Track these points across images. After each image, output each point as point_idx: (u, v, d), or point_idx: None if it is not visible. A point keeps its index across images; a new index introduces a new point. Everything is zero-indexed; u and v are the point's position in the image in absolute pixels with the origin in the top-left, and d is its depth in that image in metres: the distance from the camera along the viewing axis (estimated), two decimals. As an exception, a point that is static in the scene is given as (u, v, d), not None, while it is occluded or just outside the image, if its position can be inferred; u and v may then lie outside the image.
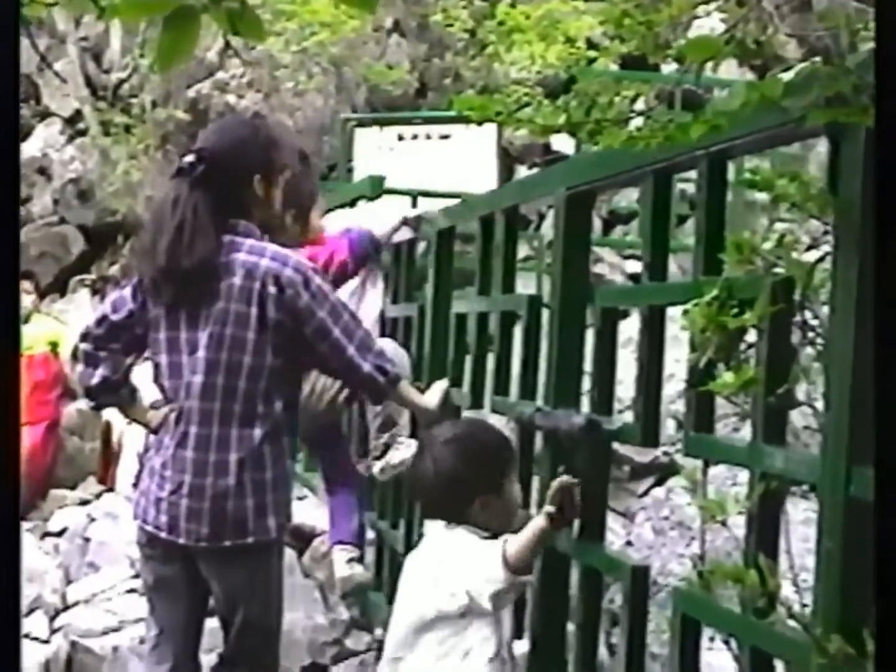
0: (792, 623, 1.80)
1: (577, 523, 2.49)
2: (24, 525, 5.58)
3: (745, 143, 2.04)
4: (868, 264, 1.61)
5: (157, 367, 2.80)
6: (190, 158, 2.74)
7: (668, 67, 7.53)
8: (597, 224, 8.34)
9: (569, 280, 2.68)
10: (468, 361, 3.38)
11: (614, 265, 7.95)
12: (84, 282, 9.35)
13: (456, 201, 4.24)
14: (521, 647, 2.61)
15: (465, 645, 2.31)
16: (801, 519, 3.00)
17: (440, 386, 3.29)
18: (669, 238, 2.46)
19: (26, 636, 4.25)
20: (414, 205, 5.81)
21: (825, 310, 1.81)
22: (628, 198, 8.27)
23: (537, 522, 2.29)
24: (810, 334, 1.93)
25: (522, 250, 7.41)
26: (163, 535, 2.73)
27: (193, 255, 2.68)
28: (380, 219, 3.95)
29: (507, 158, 8.97)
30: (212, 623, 2.94)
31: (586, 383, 2.64)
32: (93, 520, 5.25)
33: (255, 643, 2.82)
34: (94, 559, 4.90)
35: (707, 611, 2.04)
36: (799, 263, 1.87)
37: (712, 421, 2.13)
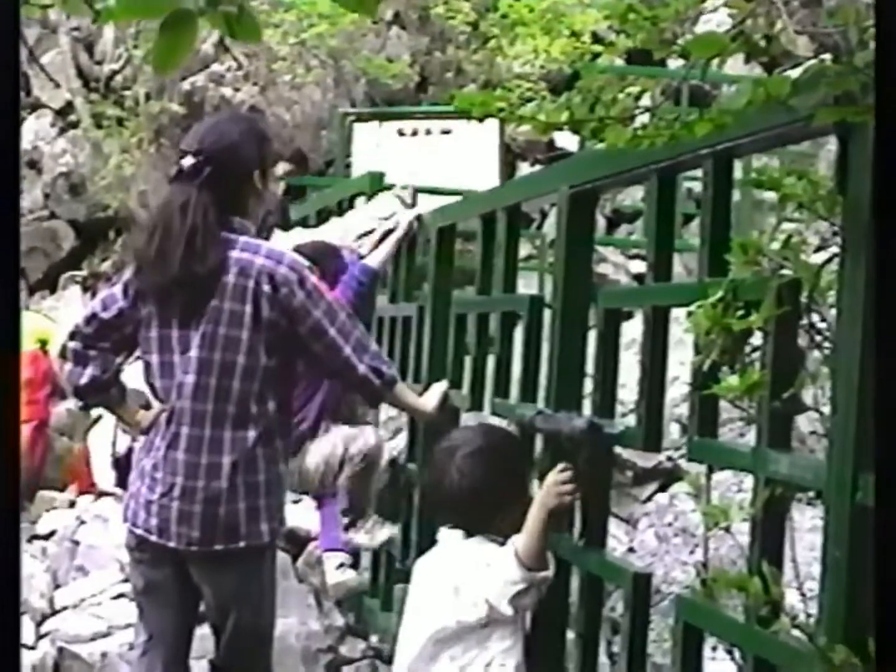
0: (796, 633, 1.76)
1: (578, 529, 2.46)
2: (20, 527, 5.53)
3: (752, 142, 2.00)
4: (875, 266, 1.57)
5: (147, 366, 2.76)
6: (192, 160, 2.69)
7: (675, 62, 7.48)
8: (601, 223, 8.30)
9: (571, 280, 2.65)
10: (468, 362, 3.35)
11: (618, 265, 7.92)
12: (75, 278, 9.27)
13: (456, 198, 4.21)
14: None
15: (487, 656, 2.28)
16: (808, 527, 2.98)
17: (439, 388, 3.25)
18: (674, 238, 2.43)
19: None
20: (414, 202, 5.78)
21: (833, 312, 1.78)
22: (633, 196, 8.23)
23: (539, 510, 2.27)
24: (817, 337, 1.90)
25: (524, 249, 7.37)
26: (153, 538, 2.69)
27: (207, 261, 2.65)
28: (375, 250, 3.94)
29: (510, 155, 8.93)
30: (202, 629, 2.90)
31: (588, 386, 2.60)
32: (82, 522, 5.21)
33: (247, 649, 2.78)
34: (82, 563, 4.85)
35: (710, 619, 2.01)
36: (806, 265, 1.84)
37: (716, 425, 2.09)
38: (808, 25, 1.85)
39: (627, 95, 1.75)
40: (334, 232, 4.32)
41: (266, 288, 2.66)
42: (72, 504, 6.12)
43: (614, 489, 2.93)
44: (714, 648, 2.72)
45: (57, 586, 4.80)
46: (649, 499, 4.78)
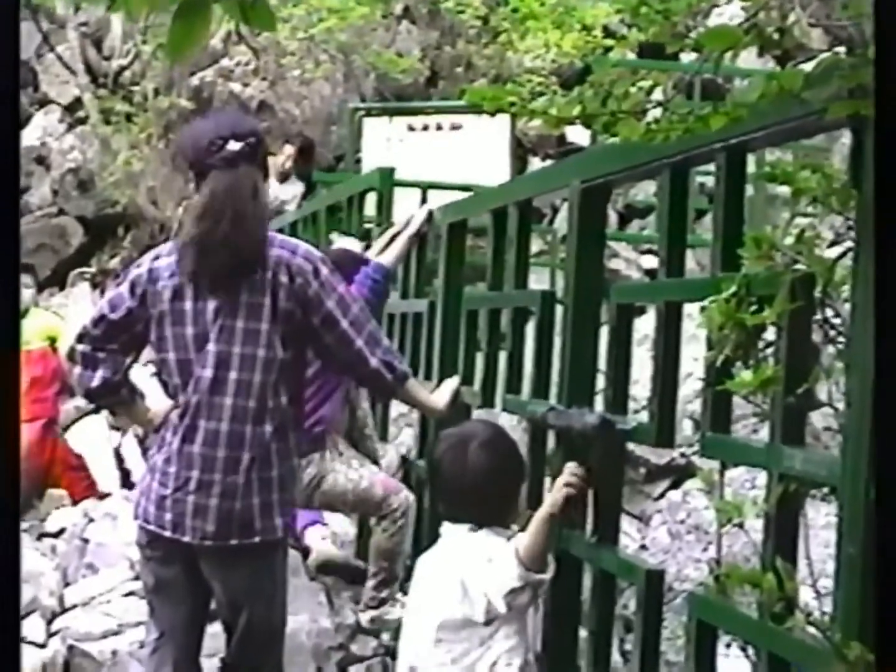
0: (811, 629, 1.75)
1: (590, 526, 2.45)
2: (21, 525, 5.52)
3: (765, 136, 1.99)
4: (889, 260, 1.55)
5: (163, 363, 2.75)
6: (240, 145, 2.69)
7: (688, 56, 7.46)
8: (612, 218, 8.27)
9: (583, 275, 2.63)
10: (479, 359, 3.33)
11: (630, 260, 7.89)
12: (83, 275, 9.24)
13: (467, 194, 4.19)
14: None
15: (492, 656, 2.28)
16: (822, 524, 2.96)
17: (450, 384, 3.24)
18: (687, 233, 2.41)
19: (22, 640, 4.20)
20: (424, 198, 5.77)
21: (847, 307, 1.76)
22: (645, 191, 8.20)
23: (543, 513, 2.29)
24: (831, 332, 1.88)
25: (536, 245, 7.35)
26: (166, 533, 2.69)
27: (265, 242, 2.69)
28: (390, 248, 3.92)
29: (521, 149, 8.91)
30: (214, 627, 2.90)
31: (600, 382, 2.59)
32: (91, 520, 5.21)
33: (258, 646, 2.78)
34: (92, 561, 4.85)
35: (723, 616, 2.00)
36: (820, 259, 1.83)
37: (729, 421, 2.08)
38: (822, 18, 1.83)
39: (639, 90, 1.74)
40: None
41: (283, 279, 2.66)
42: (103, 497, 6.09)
43: (627, 486, 2.93)
44: (728, 645, 2.71)
45: (66, 584, 4.80)
46: (662, 496, 4.77)
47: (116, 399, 2.87)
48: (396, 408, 4.51)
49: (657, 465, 4.97)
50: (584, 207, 2.64)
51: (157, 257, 2.79)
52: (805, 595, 1.81)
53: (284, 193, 7.33)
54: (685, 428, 4.71)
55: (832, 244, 2.30)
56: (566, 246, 2.79)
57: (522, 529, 2.35)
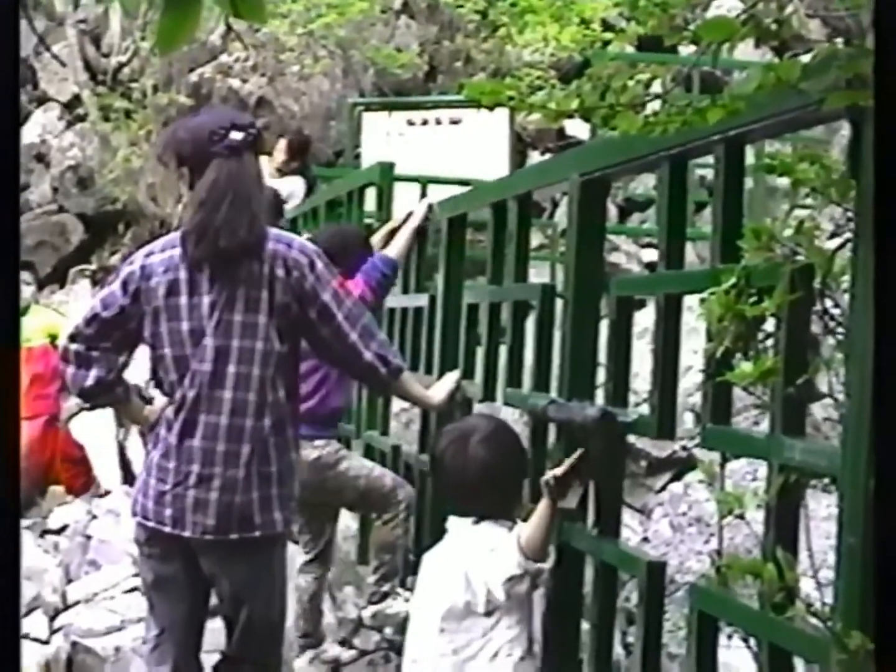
0: (811, 619, 1.76)
1: (591, 518, 2.46)
2: (23, 522, 5.49)
3: (764, 127, 1.99)
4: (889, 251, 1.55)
5: (160, 359, 2.75)
6: (242, 134, 2.72)
7: (687, 49, 7.46)
8: (612, 211, 8.26)
9: (583, 269, 2.64)
10: (480, 352, 3.34)
11: (630, 254, 7.89)
12: (84, 272, 9.22)
13: (467, 188, 4.20)
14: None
15: (493, 647, 2.30)
16: (823, 515, 2.96)
17: (450, 378, 3.24)
18: (686, 225, 2.41)
19: (25, 637, 4.20)
20: (424, 192, 5.77)
21: (846, 298, 1.76)
22: (645, 184, 8.20)
23: (544, 506, 2.31)
24: (831, 323, 1.89)
25: (536, 238, 7.35)
26: (166, 529, 2.69)
27: (265, 228, 2.72)
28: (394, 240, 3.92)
29: (520, 144, 8.91)
30: (215, 623, 2.91)
31: (601, 375, 2.59)
32: (94, 517, 5.22)
33: (259, 640, 2.79)
34: (95, 557, 4.86)
35: (724, 608, 2.00)
36: (819, 250, 1.83)
37: (730, 412, 2.08)
38: (820, 9, 1.83)
39: (637, 83, 1.74)
40: None
41: (279, 272, 2.67)
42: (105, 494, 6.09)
43: (628, 479, 2.94)
44: (729, 637, 2.72)
45: (69, 581, 4.81)
46: (663, 488, 4.78)
47: (111, 398, 2.86)
48: (398, 403, 4.51)
49: (658, 457, 4.98)
50: (584, 201, 2.65)
51: (149, 254, 2.79)
52: (806, 586, 1.82)
53: (283, 190, 7.32)
54: (686, 420, 4.71)
55: (832, 235, 2.30)
56: (566, 239, 2.79)
57: (525, 520, 2.36)
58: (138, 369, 3.01)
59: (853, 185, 1.70)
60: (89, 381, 2.79)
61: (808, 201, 1.94)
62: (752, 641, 1.99)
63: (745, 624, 2.01)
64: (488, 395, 3.24)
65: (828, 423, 3.36)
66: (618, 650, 3.11)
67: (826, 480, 3.33)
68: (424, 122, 7.90)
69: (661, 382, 2.27)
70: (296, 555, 3.99)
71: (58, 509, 5.94)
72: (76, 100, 10.10)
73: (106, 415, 6.53)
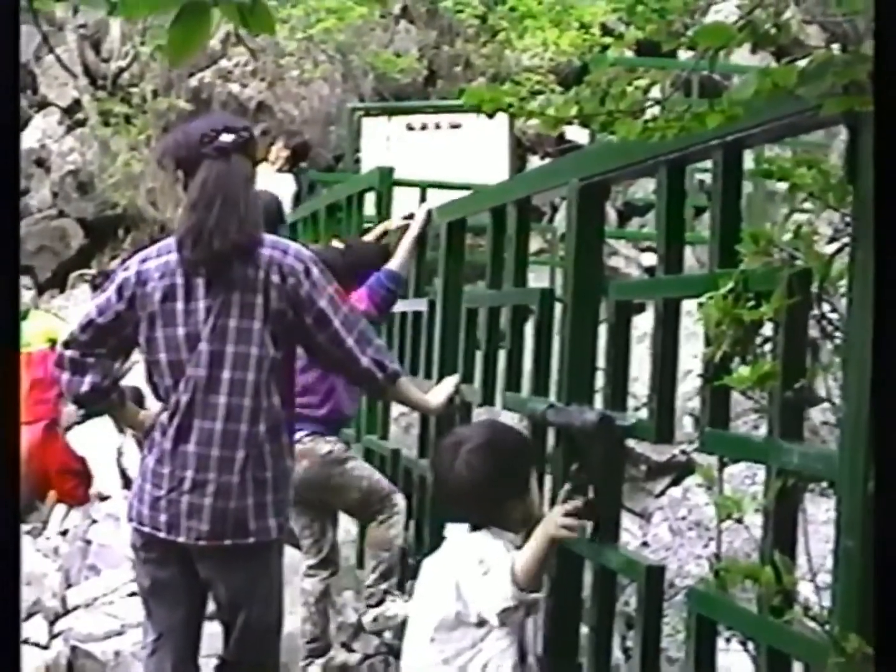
0: (810, 622, 1.76)
1: (590, 523, 2.46)
2: (23, 527, 5.51)
3: (761, 132, 1.99)
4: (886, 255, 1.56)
5: (154, 364, 2.75)
6: (233, 136, 2.73)
7: (686, 54, 7.48)
8: (612, 216, 8.28)
9: (582, 273, 2.64)
10: (479, 357, 3.34)
11: (630, 258, 7.90)
12: (84, 277, 9.20)
13: (466, 193, 4.20)
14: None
15: (483, 657, 2.29)
16: (822, 519, 2.97)
17: (449, 382, 3.25)
18: (685, 229, 2.42)
19: (25, 641, 4.20)
20: (423, 197, 5.78)
21: (844, 302, 1.77)
22: (644, 189, 8.21)
23: (543, 536, 2.25)
24: (828, 327, 1.89)
25: (535, 243, 7.37)
26: (161, 534, 2.69)
27: (260, 230, 2.72)
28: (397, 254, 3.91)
29: (520, 148, 8.92)
30: (212, 627, 2.91)
31: (600, 379, 2.60)
32: (94, 522, 5.22)
33: (256, 644, 2.79)
34: (95, 562, 4.86)
35: (723, 611, 2.01)
36: (816, 255, 1.83)
37: (728, 416, 2.09)
38: (819, 15, 1.84)
39: (636, 89, 1.75)
40: None
41: (275, 278, 2.68)
42: (103, 498, 6.07)
43: (628, 483, 2.94)
44: (728, 640, 2.72)
45: (69, 586, 4.81)
46: (663, 493, 4.78)
47: (106, 404, 2.86)
48: (397, 408, 4.52)
49: (658, 462, 4.98)
50: (583, 205, 2.65)
51: (145, 259, 2.79)
52: (805, 590, 1.82)
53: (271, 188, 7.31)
54: (686, 425, 4.71)
55: (831, 240, 2.30)
56: (565, 244, 2.80)
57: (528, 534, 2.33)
58: (139, 374, 3.01)
59: (850, 190, 1.71)
60: (84, 387, 2.78)
61: (807, 206, 1.95)
62: (750, 645, 1.99)
63: (743, 627, 2.01)
64: (487, 400, 3.25)
65: (826, 427, 3.36)
66: (617, 654, 3.12)
67: (824, 484, 3.33)
68: (424, 127, 7.92)
69: (659, 386, 2.27)
70: (298, 559, 4.00)
71: (58, 514, 5.94)
72: (76, 105, 10.12)
73: (105, 420, 6.54)
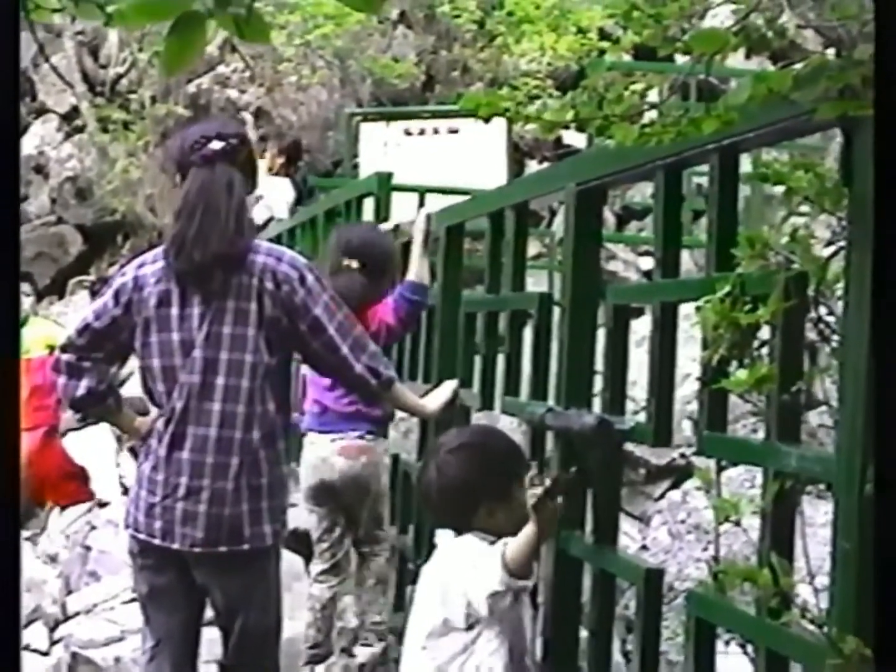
0: (808, 625, 1.77)
1: (589, 526, 2.46)
2: (23, 534, 5.50)
3: (757, 137, 2.00)
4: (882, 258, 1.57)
5: (148, 370, 2.76)
6: (223, 143, 2.73)
7: (684, 57, 7.48)
8: (610, 220, 8.29)
9: (579, 277, 2.65)
10: (478, 361, 3.35)
11: (628, 262, 7.91)
12: (83, 283, 9.22)
13: (464, 198, 4.21)
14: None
15: (475, 661, 2.30)
16: (821, 522, 2.97)
17: (447, 387, 3.25)
18: (682, 233, 2.43)
19: (25, 648, 4.20)
20: (422, 202, 5.78)
21: (841, 305, 1.78)
22: (642, 193, 8.22)
23: (532, 526, 2.26)
24: (825, 330, 1.90)
25: (534, 247, 7.38)
26: (156, 541, 2.69)
27: (247, 239, 2.71)
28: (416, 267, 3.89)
29: (517, 153, 8.93)
30: (211, 633, 2.91)
31: (599, 383, 2.60)
32: (93, 528, 5.21)
33: (254, 650, 2.79)
34: (94, 568, 4.85)
35: (722, 614, 2.01)
36: (813, 258, 1.84)
37: (726, 419, 2.09)
38: (814, 19, 1.85)
39: (632, 93, 1.76)
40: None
41: (269, 285, 2.68)
42: (84, 510, 6.08)
43: (627, 487, 2.95)
44: (727, 643, 2.72)
45: (69, 592, 4.81)
46: (662, 496, 4.79)
47: (102, 408, 2.86)
48: (397, 411, 4.51)
49: (657, 465, 4.99)
50: (580, 210, 2.66)
51: (141, 265, 2.80)
52: (804, 592, 1.83)
53: (267, 189, 7.30)
54: (685, 428, 4.72)
55: (829, 243, 2.31)
56: (562, 248, 2.81)
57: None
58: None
59: (846, 194, 1.72)
60: (80, 392, 2.79)
61: (804, 209, 1.96)
62: (749, 647, 2.00)
63: (741, 630, 2.02)
64: (486, 404, 3.25)
65: (823, 429, 3.37)
66: (617, 658, 3.12)
67: (823, 487, 3.34)
68: (422, 132, 7.93)
69: (657, 390, 2.28)
70: (298, 564, 4.00)
71: (57, 520, 5.94)
72: (74, 111, 10.14)
73: (104, 425, 6.53)
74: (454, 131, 7.79)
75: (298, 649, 3.82)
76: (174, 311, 2.70)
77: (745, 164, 2.20)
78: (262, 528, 2.69)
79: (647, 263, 7.60)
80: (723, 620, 2.04)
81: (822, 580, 1.87)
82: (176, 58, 1.52)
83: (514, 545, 2.26)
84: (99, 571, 4.85)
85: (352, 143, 8.22)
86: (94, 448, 6.48)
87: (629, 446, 3.33)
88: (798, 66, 1.58)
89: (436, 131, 7.89)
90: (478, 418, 3.42)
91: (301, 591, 3.95)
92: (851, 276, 1.70)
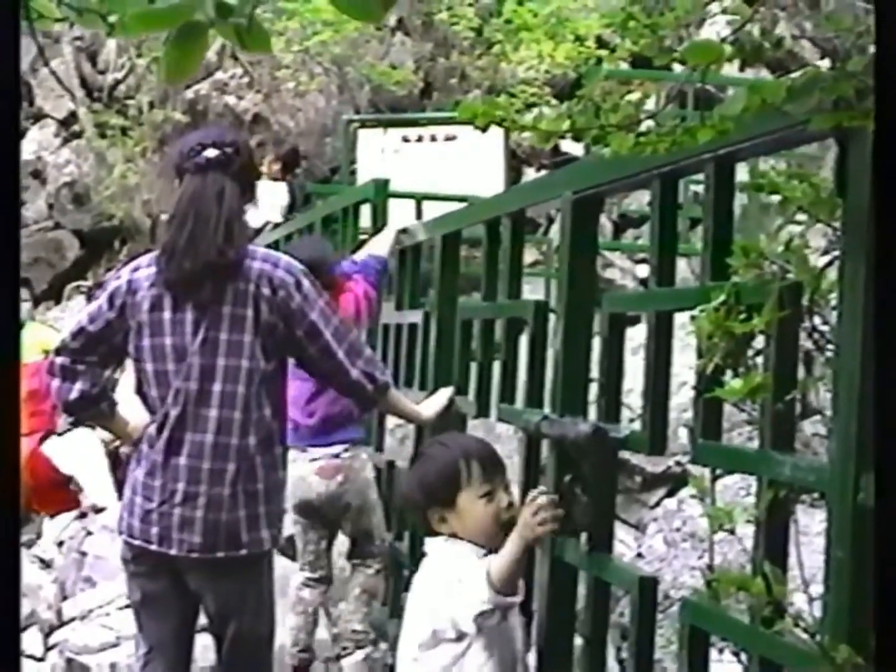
0: (802, 633, 1.77)
1: (584, 534, 2.47)
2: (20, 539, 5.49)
3: (752, 146, 2.01)
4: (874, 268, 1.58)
5: (142, 374, 2.76)
6: (217, 152, 2.73)
7: (681, 66, 7.50)
8: (607, 228, 8.31)
9: (575, 285, 2.65)
10: (474, 368, 3.36)
11: (625, 270, 7.93)
12: (80, 288, 9.19)
13: (462, 205, 4.21)
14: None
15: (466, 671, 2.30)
16: (816, 531, 2.97)
17: (443, 394, 3.26)
18: (677, 242, 2.43)
19: (21, 653, 4.20)
20: (419, 209, 5.80)
21: (835, 315, 1.78)
22: (639, 201, 8.24)
23: (517, 538, 2.29)
24: (820, 340, 1.91)
25: (531, 255, 7.39)
26: (152, 547, 2.69)
27: (238, 249, 2.70)
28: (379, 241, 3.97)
29: (515, 160, 8.95)
30: (205, 639, 2.91)
31: (594, 391, 2.61)
32: (89, 533, 5.21)
33: (247, 656, 2.79)
34: (90, 574, 4.85)
35: (715, 622, 2.01)
36: (807, 268, 1.85)
37: (720, 428, 2.10)
38: (812, 32, 1.86)
39: (629, 103, 1.77)
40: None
41: (265, 291, 2.69)
42: (80, 515, 6.06)
43: (623, 495, 2.95)
44: (721, 651, 2.72)
45: (65, 597, 4.80)
46: (658, 504, 4.79)
47: (95, 412, 2.85)
48: (393, 419, 4.52)
49: (653, 473, 4.99)
50: (576, 218, 2.67)
51: (136, 268, 2.80)
52: (799, 601, 1.83)
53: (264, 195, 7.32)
54: (681, 436, 4.72)
55: (825, 252, 2.32)
56: (558, 256, 2.81)
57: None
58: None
59: (840, 204, 1.73)
60: (73, 395, 2.78)
61: (800, 218, 1.96)
62: (743, 655, 2.00)
63: (735, 638, 2.02)
64: (482, 411, 3.26)
65: (817, 438, 3.37)
66: (612, 665, 3.12)
67: (817, 495, 3.35)
68: (419, 139, 7.95)
69: (651, 398, 2.28)
70: (291, 570, 4.00)
71: (52, 525, 5.92)
72: (72, 117, 10.15)
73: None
74: (451, 138, 7.81)
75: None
76: (167, 315, 2.70)
77: (742, 174, 2.20)
78: (260, 534, 2.69)
79: (644, 271, 7.61)
80: (717, 628, 2.04)
81: (817, 589, 1.88)
82: (177, 67, 1.52)
83: (499, 562, 2.26)
84: (94, 577, 4.84)
85: (349, 150, 8.25)
86: (90, 452, 6.44)
87: (624, 454, 3.32)
88: (793, 76, 1.59)
89: (433, 138, 7.91)
90: (473, 426, 3.43)
91: (295, 596, 3.95)
92: (845, 285, 1.70)
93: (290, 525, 3.93)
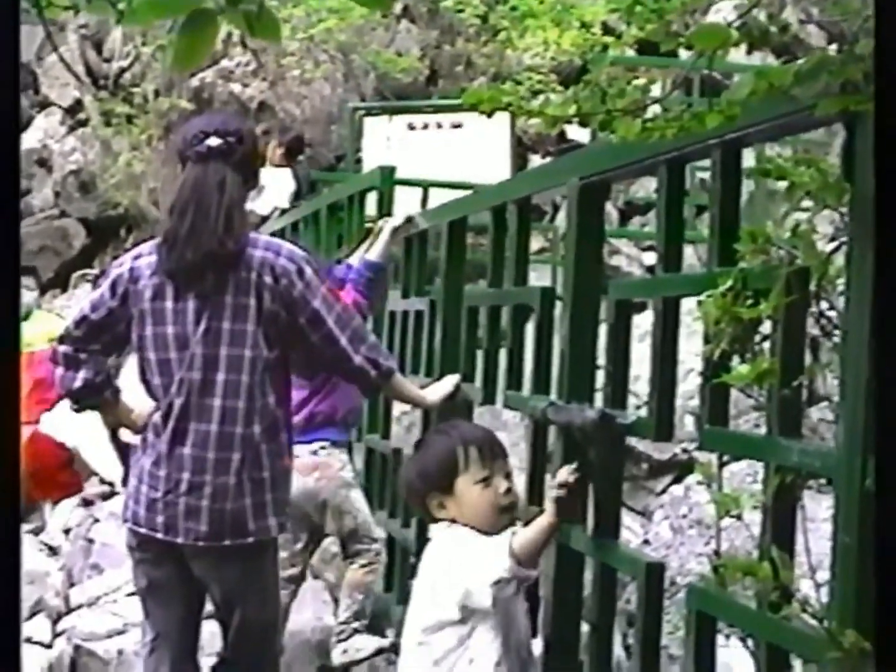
0: (809, 619, 1.77)
1: (591, 520, 2.47)
2: (25, 526, 5.49)
3: (759, 132, 2.00)
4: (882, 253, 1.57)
5: (145, 362, 2.76)
6: (220, 140, 2.72)
7: (687, 52, 7.47)
8: (613, 215, 8.28)
9: (582, 272, 2.65)
10: (480, 355, 3.35)
11: (632, 257, 7.91)
12: (86, 276, 9.19)
13: (468, 192, 4.21)
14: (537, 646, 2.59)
15: (470, 654, 2.31)
16: (824, 516, 2.97)
17: (450, 380, 3.25)
18: (684, 228, 2.43)
19: (28, 640, 4.21)
20: (425, 196, 5.79)
21: (843, 300, 1.78)
22: (646, 188, 8.22)
23: (545, 517, 2.31)
24: (827, 325, 1.90)
25: (537, 242, 7.38)
26: (159, 535, 2.69)
27: (240, 238, 2.69)
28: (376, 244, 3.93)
29: (521, 147, 8.93)
30: (211, 626, 2.92)
31: (601, 378, 2.61)
32: (96, 521, 5.22)
33: (253, 642, 2.80)
34: (97, 561, 4.86)
35: (722, 607, 2.02)
36: (815, 253, 1.84)
37: (727, 414, 2.10)
38: (816, 15, 1.85)
39: (635, 88, 1.76)
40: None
41: (268, 279, 2.68)
42: (89, 503, 6.07)
43: (629, 482, 2.95)
44: (728, 637, 2.73)
45: (72, 584, 4.82)
46: (664, 491, 4.79)
47: (98, 400, 2.84)
48: (400, 407, 4.53)
49: (659, 460, 4.99)
50: (583, 204, 2.66)
51: (138, 256, 2.80)
52: (805, 587, 1.83)
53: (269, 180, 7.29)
54: (687, 423, 4.72)
55: (831, 238, 2.31)
56: (565, 243, 2.81)
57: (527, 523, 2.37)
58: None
59: (847, 189, 1.72)
60: (77, 383, 2.78)
61: (807, 204, 1.96)
62: (749, 641, 2.00)
63: (742, 623, 2.02)
64: (488, 398, 3.26)
65: (824, 424, 3.37)
66: (618, 652, 3.13)
67: (824, 481, 3.34)
68: (425, 126, 7.94)
69: (658, 385, 2.28)
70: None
71: (59, 512, 5.94)
72: (78, 105, 10.14)
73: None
74: (457, 126, 7.80)
75: (302, 640, 3.84)
76: (168, 304, 2.70)
77: (749, 159, 2.19)
78: (267, 521, 2.69)
79: (651, 259, 7.60)
80: (723, 614, 2.05)
81: (824, 574, 1.88)
82: (186, 55, 1.52)
83: (525, 534, 2.29)
84: (102, 564, 4.86)
85: (355, 138, 8.23)
86: (99, 437, 6.45)
87: (631, 441, 3.33)
88: (800, 61, 1.58)
89: (439, 126, 7.90)
90: (480, 413, 3.43)
91: (304, 585, 3.96)
92: (852, 271, 1.70)
93: None
